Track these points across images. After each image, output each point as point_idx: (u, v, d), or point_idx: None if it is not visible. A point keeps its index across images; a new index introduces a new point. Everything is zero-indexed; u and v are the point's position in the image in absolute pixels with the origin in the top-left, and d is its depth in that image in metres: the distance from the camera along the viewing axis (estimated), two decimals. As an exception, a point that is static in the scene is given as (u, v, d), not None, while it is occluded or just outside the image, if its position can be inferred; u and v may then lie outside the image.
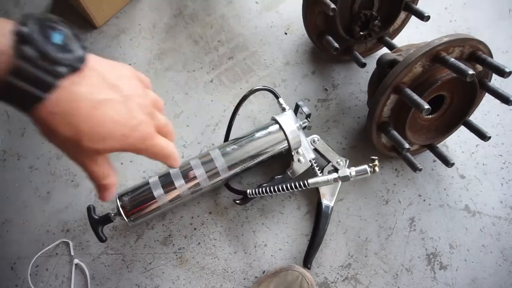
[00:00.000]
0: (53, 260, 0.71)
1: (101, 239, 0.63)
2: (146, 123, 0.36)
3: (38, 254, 0.70)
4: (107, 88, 0.33)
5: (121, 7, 0.92)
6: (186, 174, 0.65)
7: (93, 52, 0.90)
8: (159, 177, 0.65)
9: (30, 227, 0.73)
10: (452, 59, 0.57)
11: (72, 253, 0.70)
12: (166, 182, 0.64)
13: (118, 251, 0.70)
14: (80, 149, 0.32)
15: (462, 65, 0.55)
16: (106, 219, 0.64)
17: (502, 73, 0.57)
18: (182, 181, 0.64)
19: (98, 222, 0.63)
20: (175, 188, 0.64)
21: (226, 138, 0.73)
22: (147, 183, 0.65)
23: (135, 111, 0.35)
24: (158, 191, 0.64)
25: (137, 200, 0.64)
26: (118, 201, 0.63)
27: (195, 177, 0.65)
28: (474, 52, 0.62)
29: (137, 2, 0.94)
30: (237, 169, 0.67)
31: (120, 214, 0.63)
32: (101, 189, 0.38)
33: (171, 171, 0.66)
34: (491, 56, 0.64)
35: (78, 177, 0.76)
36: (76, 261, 0.69)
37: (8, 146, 0.79)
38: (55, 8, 0.93)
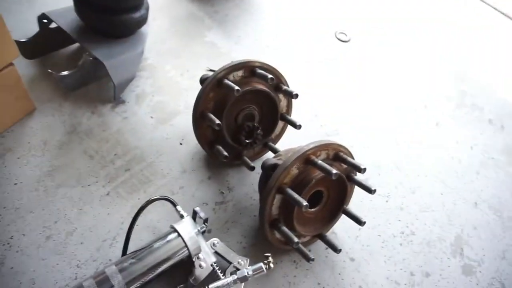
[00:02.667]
0: None
1: None
2: None
3: None
4: None
5: (8, 126, 0.90)
6: (78, 299, 0.60)
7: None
8: (46, 307, 0.59)
9: None
10: (320, 161, 0.68)
11: None
12: (55, 311, 0.59)
13: None
14: None
15: (327, 166, 0.66)
16: None
17: (359, 170, 0.70)
18: (74, 308, 0.59)
19: None
20: (66, 317, 0.58)
21: (124, 252, 0.71)
22: (31, 317, 0.58)
23: None
24: (44, 324, 0.57)
25: None
26: None
27: (89, 301, 0.60)
28: (337, 153, 0.75)
29: (27, 121, 0.93)
30: (137, 284, 0.65)
31: None
32: None
33: (61, 297, 0.60)
34: (351, 155, 0.78)
35: None
36: None
37: None
38: None
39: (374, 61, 1.38)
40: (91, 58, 0.96)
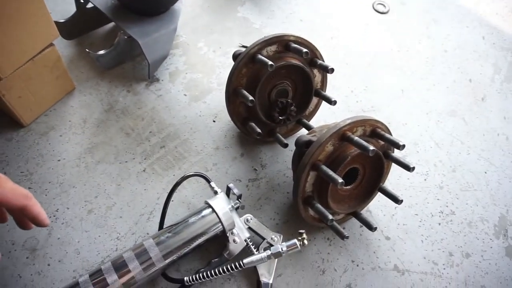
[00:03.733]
0: None
1: None
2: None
3: None
4: None
5: (51, 105, 0.94)
6: (119, 268, 0.63)
7: (18, 150, 0.88)
8: (90, 275, 0.62)
9: None
10: (356, 138, 0.66)
11: None
12: (98, 279, 0.61)
13: None
14: None
15: (364, 143, 0.64)
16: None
17: (397, 146, 0.67)
18: (115, 277, 0.62)
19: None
20: (107, 285, 0.61)
21: (161, 226, 0.73)
22: (77, 284, 0.61)
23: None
24: (89, 291, 0.60)
25: (66, 304, 0.60)
26: (43, 308, 0.59)
27: (129, 271, 0.63)
28: (374, 129, 0.72)
29: (68, 100, 0.97)
30: (173, 257, 0.67)
31: (45, 323, 0.58)
32: None
33: (103, 266, 0.63)
34: (389, 132, 0.75)
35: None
36: None
37: None
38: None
39: (414, 34, 1.30)
40: (125, 37, 0.97)
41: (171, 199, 0.74)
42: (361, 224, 0.82)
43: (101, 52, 0.98)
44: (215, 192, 0.75)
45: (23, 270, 0.71)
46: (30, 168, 0.84)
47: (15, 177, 0.82)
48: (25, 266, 0.72)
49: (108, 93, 0.99)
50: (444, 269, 0.80)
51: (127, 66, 1.06)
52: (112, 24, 1.13)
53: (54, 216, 0.78)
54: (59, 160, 0.86)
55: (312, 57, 0.84)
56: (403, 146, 0.67)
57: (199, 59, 1.11)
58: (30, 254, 0.73)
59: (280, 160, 0.92)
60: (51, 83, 0.91)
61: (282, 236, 0.75)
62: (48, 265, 0.72)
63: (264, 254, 0.64)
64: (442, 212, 0.89)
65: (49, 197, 0.81)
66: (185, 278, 0.66)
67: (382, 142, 0.75)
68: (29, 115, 0.90)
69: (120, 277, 0.62)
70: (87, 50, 0.98)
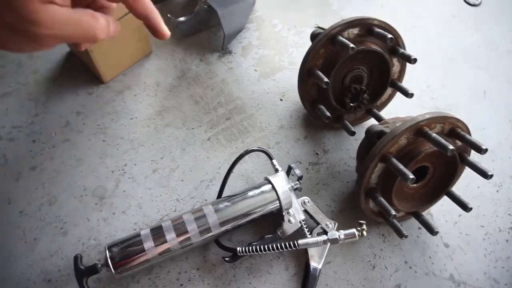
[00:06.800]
0: (31, 312, 0.68)
1: (85, 291, 0.61)
2: None
3: (16, 304, 0.68)
4: None
5: (129, 66, 0.99)
6: (178, 228, 0.66)
7: (97, 104, 0.93)
8: (151, 230, 0.66)
9: (11, 274, 0.71)
10: (434, 134, 0.62)
11: (52, 305, 0.68)
12: (157, 235, 0.65)
13: (100, 305, 0.68)
14: None
15: (443, 141, 0.60)
16: (93, 270, 0.63)
17: (479, 150, 0.62)
18: (173, 235, 0.65)
19: (83, 273, 0.63)
20: (166, 241, 0.64)
21: (220, 195, 0.75)
22: (138, 235, 0.65)
23: None
24: (148, 244, 0.64)
25: (127, 252, 0.63)
26: (107, 251, 0.63)
27: (186, 232, 0.66)
28: (454, 128, 0.67)
29: (144, 62, 1.01)
30: (229, 226, 0.68)
31: (107, 265, 0.62)
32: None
33: (163, 224, 0.66)
34: (469, 133, 0.70)
35: (68, 224, 0.75)
36: (55, 314, 0.67)
37: (0, 190, 0.80)
38: (66, 62, 0.99)
39: (507, 31, 1.19)
40: (205, 6, 0.99)
41: (232, 171, 0.76)
42: (420, 226, 0.79)
43: (182, 18, 1.00)
44: (276, 170, 0.75)
45: (91, 215, 0.77)
46: (105, 123, 0.90)
47: (92, 129, 0.88)
48: (93, 211, 0.77)
49: (182, 60, 1.02)
50: (505, 288, 0.75)
51: (203, 36, 1.08)
52: (192, -8, 1.15)
53: (122, 170, 0.83)
54: (131, 119, 0.91)
55: (394, 45, 0.79)
56: (485, 150, 0.62)
57: (272, 36, 1.10)
58: (98, 201, 0.79)
59: (344, 148, 0.90)
60: (132, 45, 0.95)
61: (337, 224, 0.74)
62: (113, 214, 0.77)
63: (320, 238, 0.63)
64: (512, 229, 0.82)
65: (120, 151, 0.86)
66: (238, 248, 0.67)
67: (459, 143, 0.71)
68: (109, 72, 0.95)
69: (177, 236, 0.65)
70: (168, 15, 1.00)
